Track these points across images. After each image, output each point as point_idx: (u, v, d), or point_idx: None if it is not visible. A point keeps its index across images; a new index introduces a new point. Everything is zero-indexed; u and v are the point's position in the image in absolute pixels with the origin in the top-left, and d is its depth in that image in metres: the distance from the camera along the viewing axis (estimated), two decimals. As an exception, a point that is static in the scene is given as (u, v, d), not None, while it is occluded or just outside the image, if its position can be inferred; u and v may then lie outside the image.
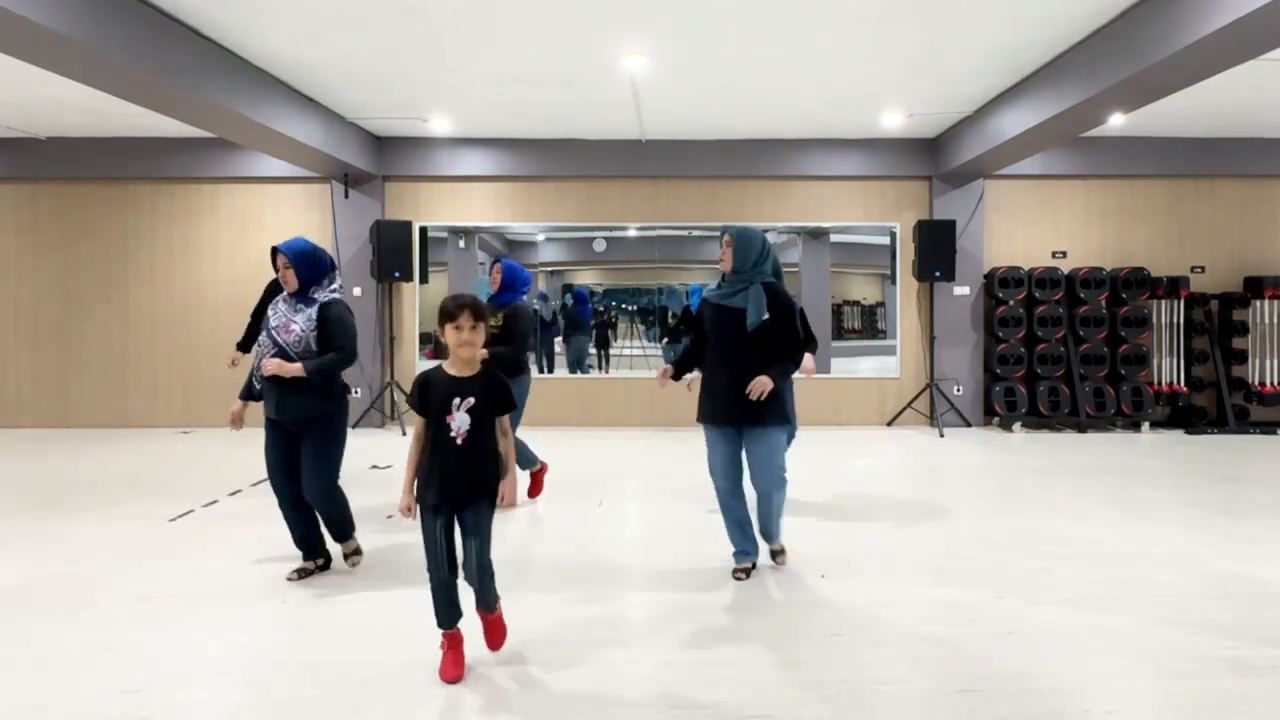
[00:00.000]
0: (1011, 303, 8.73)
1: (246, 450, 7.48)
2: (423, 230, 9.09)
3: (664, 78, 6.73)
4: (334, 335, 3.75)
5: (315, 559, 4.02)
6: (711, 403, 3.81)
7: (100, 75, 5.25)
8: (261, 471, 6.45)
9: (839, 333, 9.20)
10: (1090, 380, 8.65)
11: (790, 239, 9.22)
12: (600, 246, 9.24)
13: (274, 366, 3.65)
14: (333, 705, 2.66)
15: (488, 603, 2.96)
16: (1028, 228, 9.10)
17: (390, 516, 5.06)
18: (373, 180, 8.91)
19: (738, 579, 3.88)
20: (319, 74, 6.67)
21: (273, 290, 5.28)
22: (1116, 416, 8.62)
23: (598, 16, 5.44)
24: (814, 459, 6.73)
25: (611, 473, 6.39)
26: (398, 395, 8.87)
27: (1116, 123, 7.49)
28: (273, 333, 3.74)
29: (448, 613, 2.86)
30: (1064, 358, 8.66)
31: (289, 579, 3.90)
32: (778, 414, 3.74)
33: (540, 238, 9.28)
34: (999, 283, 8.73)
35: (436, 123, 8.23)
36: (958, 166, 8.34)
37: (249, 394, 3.97)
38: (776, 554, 4.11)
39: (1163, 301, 8.91)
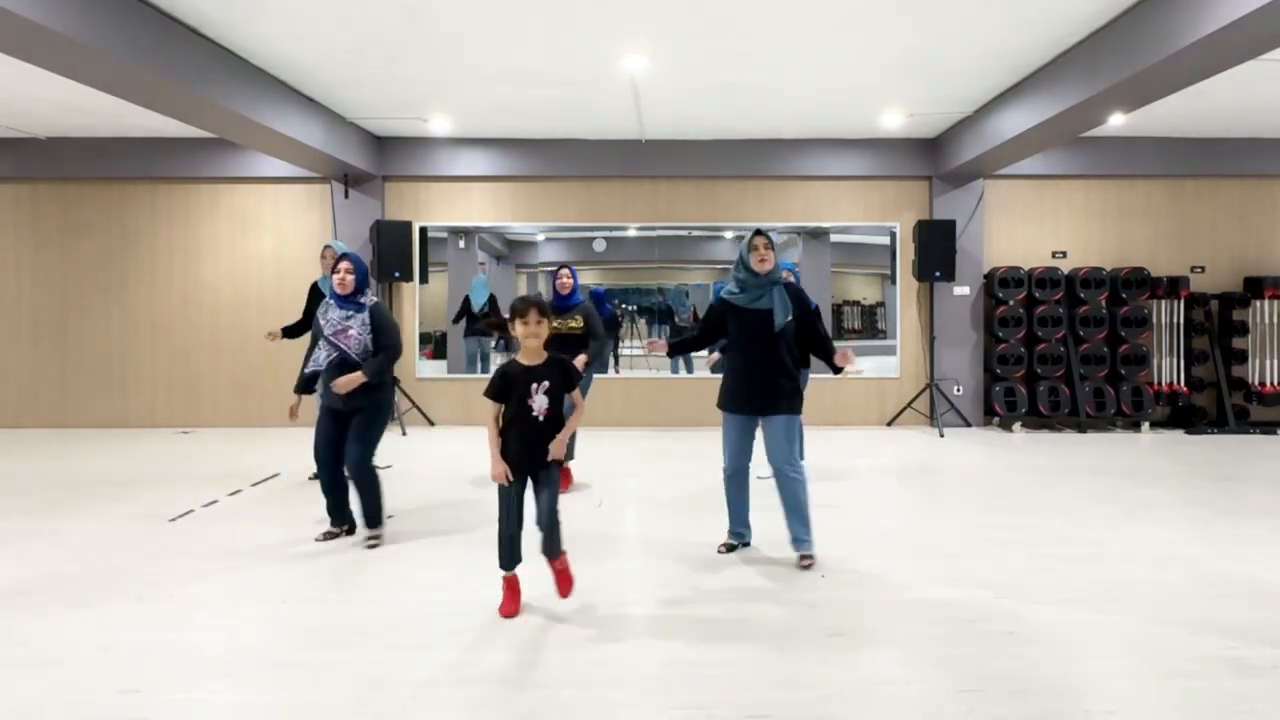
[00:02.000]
0: (1011, 303, 8.73)
1: (246, 450, 7.49)
2: (423, 230, 9.08)
3: (664, 78, 6.73)
4: (381, 335, 4.28)
5: (343, 525, 4.51)
6: (735, 393, 4.09)
7: (100, 75, 5.25)
8: (262, 471, 6.45)
9: (839, 333, 9.20)
10: (1090, 380, 8.65)
11: (790, 239, 9.22)
12: (600, 246, 9.24)
13: (344, 384, 4.17)
14: (333, 705, 2.66)
15: (554, 550, 3.43)
16: (1028, 228, 9.10)
17: (390, 516, 5.06)
18: (373, 180, 8.91)
19: (720, 553, 4.25)
20: (319, 74, 6.67)
21: (313, 290, 5.85)
22: (1116, 416, 8.62)
23: (598, 16, 5.44)
24: (814, 459, 6.73)
25: (611, 473, 6.39)
26: (397, 395, 8.87)
27: (1116, 123, 7.49)
28: (331, 339, 4.20)
29: (511, 558, 3.41)
30: (1064, 358, 8.66)
31: (317, 540, 4.43)
32: (795, 403, 4.04)
33: (540, 238, 9.28)
34: (999, 283, 8.74)
35: (436, 123, 8.23)
36: (958, 166, 8.34)
37: (305, 388, 4.43)
38: (804, 559, 4.11)
39: (1163, 301, 8.91)
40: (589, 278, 9.28)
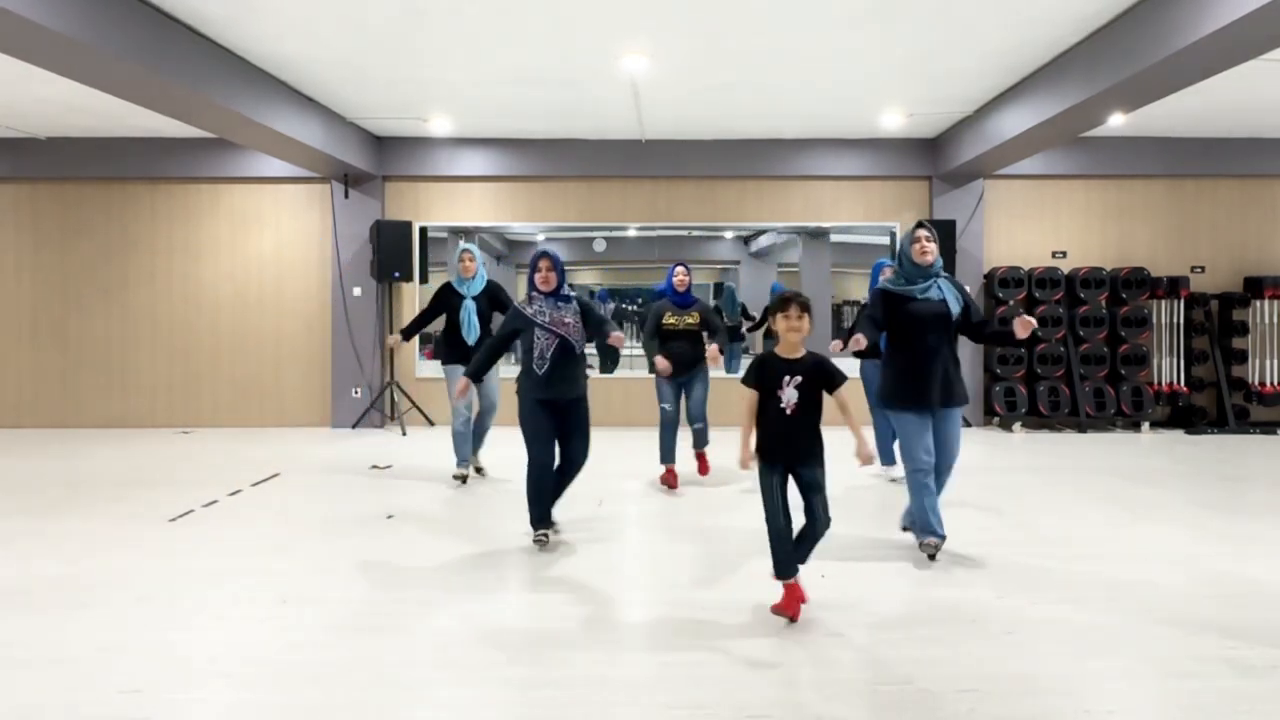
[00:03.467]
0: (1011, 303, 8.73)
1: (246, 450, 7.49)
2: (423, 230, 9.08)
3: (664, 78, 6.73)
4: (601, 318, 4.47)
5: (551, 526, 4.47)
6: (918, 386, 4.08)
7: (99, 75, 5.26)
8: (262, 471, 6.45)
9: (839, 333, 9.19)
10: (1090, 380, 8.65)
11: (790, 239, 9.22)
12: (600, 246, 9.24)
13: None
14: (332, 705, 2.66)
15: (803, 555, 3.35)
16: (1028, 228, 9.10)
17: (390, 517, 5.06)
18: (373, 180, 8.91)
19: (932, 557, 4.11)
20: (319, 74, 6.67)
21: (446, 291, 5.99)
22: (1116, 416, 8.61)
23: (598, 16, 5.44)
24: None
25: (611, 473, 6.38)
26: (397, 395, 8.87)
27: (1116, 123, 7.48)
28: (550, 328, 4.30)
29: (788, 563, 3.31)
30: (1064, 358, 8.66)
31: (540, 543, 4.37)
32: (965, 394, 4.17)
33: (540, 238, 9.28)
34: (999, 283, 8.73)
35: (436, 123, 8.23)
36: (958, 166, 8.34)
37: (478, 375, 4.47)
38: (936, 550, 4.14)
39: (1163, 301, 8.91)
40: (589, 278, 9.28)
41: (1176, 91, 5.75)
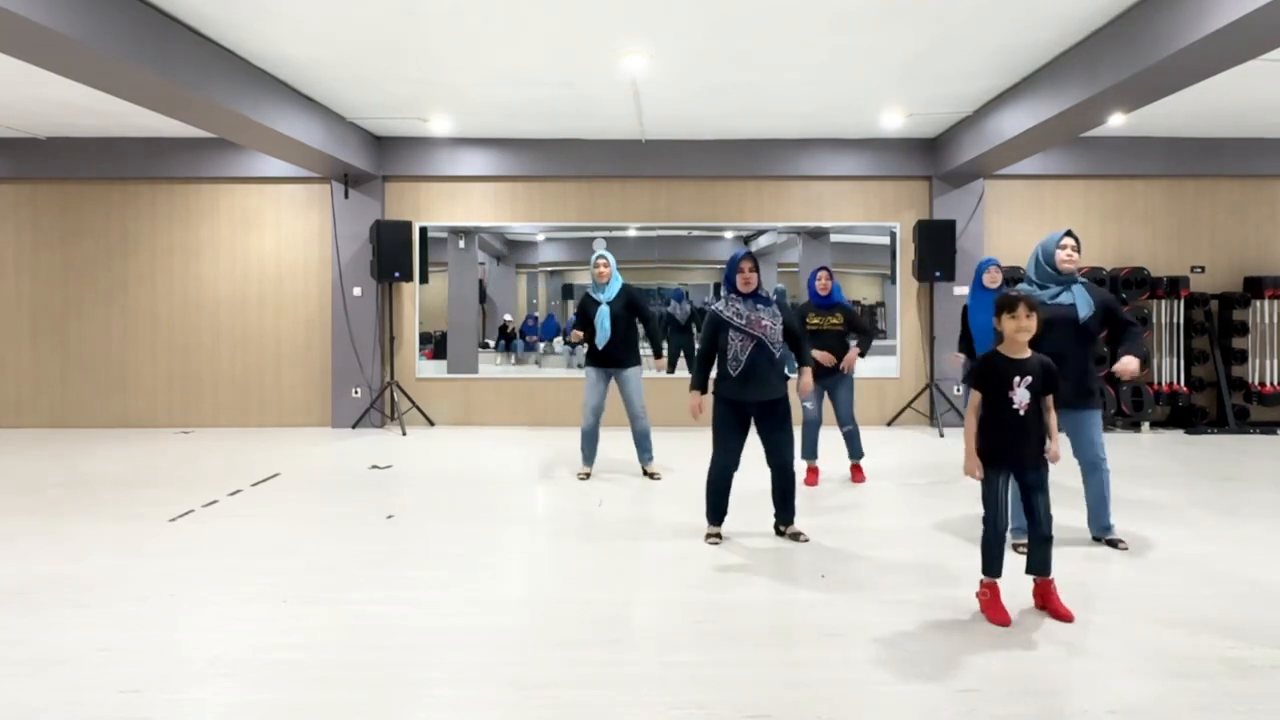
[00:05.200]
0: (1011, 303, 8.70)
1: (246, 450, 7.49)
2: (423, 230, 9.08)
3: (664, 78, 6.73)
4: (795, 324, 4.46)
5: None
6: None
7: (100, 75, 5.25)
8: (261, 472, 6.45)
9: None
10: (1090, 380, 8.64)
11: (790, 239, 9.22)
12: (600, 246, 9.23)
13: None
14: (333, 705, 2.66)
15: (1045, 566, 3.39)
16: (1028, 228, 9.10)
17: (390, 516, 5.06)
18: (373, 180, 8.91)
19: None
20: (319, 74, 6.67)
21: (586, 300, 6.07)
22: (1116, 416, 8.61)
23: (598, 16, 5.44)
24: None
25: (610, 473, 6.39)
26: (397, 395, 8.87)
27: (1116, 123, 7.48)
28: (747, 329, 4.29)
29: (999, 562, 3.35)
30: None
31: (712, 541, 4.45)
32: (1095, 397, 4.21)
33: (540, 238, 9.29)
34: (999, 283, 8.72)
35: (436, 123, 8.23)
36: (958, 166, 8.34)
37: (701, 387, 4.48)
38: (1117, 541, 4.34)
39: (1163, 301, 8.90)
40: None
41: (1176, 91, 5.75)
